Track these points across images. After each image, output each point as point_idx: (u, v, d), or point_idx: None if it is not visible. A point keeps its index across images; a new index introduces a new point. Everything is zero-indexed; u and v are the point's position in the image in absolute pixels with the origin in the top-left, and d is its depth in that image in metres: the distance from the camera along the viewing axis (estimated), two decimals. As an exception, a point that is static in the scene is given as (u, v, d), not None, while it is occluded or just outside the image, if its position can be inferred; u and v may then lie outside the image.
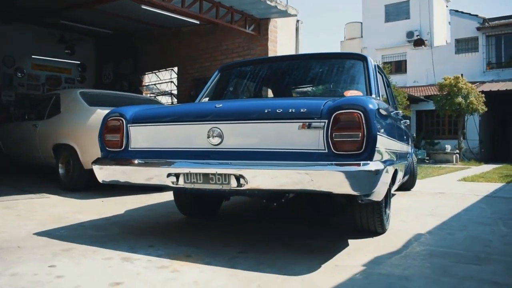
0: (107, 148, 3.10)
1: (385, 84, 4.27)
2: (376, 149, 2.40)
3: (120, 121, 3.04)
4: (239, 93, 4.23)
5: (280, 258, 2.58)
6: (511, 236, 3.30)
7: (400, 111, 4.29)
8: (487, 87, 18.30)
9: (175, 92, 11.52)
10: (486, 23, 21.40)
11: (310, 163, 2.35)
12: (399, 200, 5.17)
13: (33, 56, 12.18)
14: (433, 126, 20.05)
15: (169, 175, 2.70)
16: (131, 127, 3.02)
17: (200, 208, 3.74)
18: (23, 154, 6.97)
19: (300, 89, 4.29)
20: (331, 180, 2.30)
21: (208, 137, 2.65)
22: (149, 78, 12.33)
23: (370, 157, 2.36)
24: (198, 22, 9.60)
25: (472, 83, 17.37)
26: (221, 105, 2.79)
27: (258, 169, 2.45)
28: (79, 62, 13.24)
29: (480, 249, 2.87)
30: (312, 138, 2.42)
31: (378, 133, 2.42)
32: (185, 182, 2.66)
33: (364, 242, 3.00)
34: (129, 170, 2.91)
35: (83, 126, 5.45)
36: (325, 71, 3.84)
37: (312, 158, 2.39)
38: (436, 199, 5.41)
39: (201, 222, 3.71)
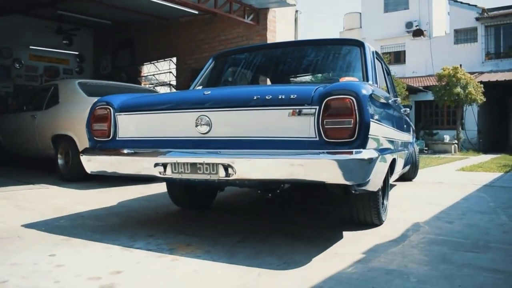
0: (95, 138, 3.02)
1: (385, 72, 4.18)
2: (369, 136, 2.32)
3: (108, 110, 2.96)
4: (233, 81, 4.10)
5: (279, 247, 2.59)
6: (509, 225, 3.31)
7: (399, 99, 4.17)
8: (486, 78, 18.26)
9: (174, 82, 11.48)
10: (485, 13, 21.31)
11: (300, 151, 2.28)
12: (398, 190, 5.18)
13: (31, 47, 12.12)
14: (432, 116, 20.05)
15: (156, 165, 2.64)
16: (119, 116, 2.93)
17: (194, 199, 3.68)
18: (21, 145, 6.96)
19: (295, 76, 4.19)
20: (322, 169, 2.23)
21: (196, 125, 2.57)
22: (147, 69, 12.28)
23: (363, 145, 2.27)
24: (196, 12, 9.54)
25: (471, 73, 17.34)
26: (209, 92, 2.70)
27: (246, 158, 2.39)
28: (77, 53, 13.18)
29: (478, 237, 2.88)
30: (303, 126, 2.34)
31: (371, 120, 2.34)
32: (172, 172, 2.60)
33: (363, 231, 3.01)
34: (116, 160, 2.85)
35: (82, 116, 5.41)
36: (321, 57, 3.74)
37: (303, 146, 2.32)
38: (435, 188, 5.42)
39: (200, 212, 3.72)
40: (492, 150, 18.07)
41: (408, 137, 4.63)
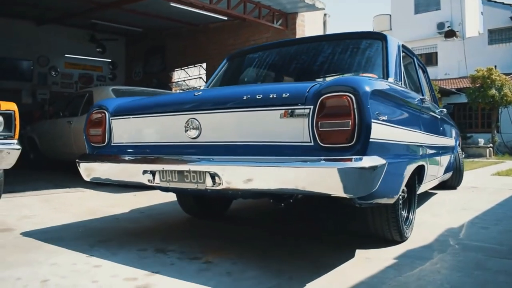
0: (91, 144, 2.90)
1: (417, 69, 3.77)
2: (373, 140, 2.01)
3: (103, 114, 2.83)
4: (247, 81, 3.79)
5: (311, 252, 2.61)
6: (548, 231, 3.22)
7: (426, 98, 3.52)
8: (522, 79, 17.70)
9: (203, 88, 11.62)
10: (521, 13, 20.68)
11: (291, 158, 2.02)
12: (430, 194, 5.09)
13: (66, 55, 12.54)
14: (465, 119, 19.55)
15: (144, 172, 2.49)
16: (113, 120, 2.81)
17: (205, 207, 3.51)
18: (58, 150, 7.19)
19: (311, 74, 3.63)
20: (315, 179, 1.96)
21: (186, 129, 2.38)
22: (178, 75, 12.50)
23: (364, 151, 1.96)
24: (226, 18, 9.66)
25: (506, 74, 16.84)
26: (200, 92, 2.54)
27: (233, 166, 2.16)
28: (110, 60, 13.56)
29: (515, 243, 2.82)
30: (296, 128, 2.07)
31: (377, 120, 2.06)
32: (161, 180, 2.43)
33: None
34: (108, 167, 2.73)
35: (116, 122, 5.57)
36: (339, 53, 3.33)
37: (296, 152, 2.05)
38: (469, 193, 5.30)
39: (214, 221, 3.76)
40: (529, 154, 17.48)
41: (447, 141, 4.30)
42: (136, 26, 11.84)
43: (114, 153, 2.75)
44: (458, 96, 18.62)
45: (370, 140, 1.98)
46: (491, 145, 16.20)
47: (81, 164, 2.83)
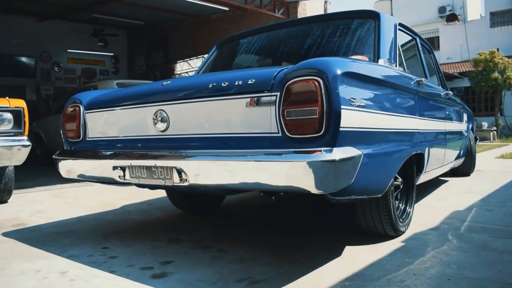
0: (68, 139, 2.79)
1: (419, 49, 3.55)
2: (344, 129, 1.82)
3: (77, 108, 2.71)
4: (234, 68, 3.54)
5: (318, 240, 2.67)
6: (552, 211, 3.26)
7: (424, 80, 3.09)
8: (525, 61, 17.63)
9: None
10: (523, -6, 20.53)
11: (257, 151, 1.86)
12: (440, 181, 5.14)
13: (68, 50, 12.59)
14: (469, 103, 19.48)
15: (114, 168, 2.38)
16: (88, 114, 2.69)
17: (195, 203, 3.38)
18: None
19: (299, 58, 3.46)
20: (282, 174, 1.78)
21: (155, 122, 2.26)
22: (181, 67, 12.53)
23: (334, 141, 1.78)
24: (227, 9, 9.67)
25: (509, 57, 16.77)
26: (168, 82, 2.39)
27: (196, 159, 2.04)
28: (112, 54, 13.59)
29: (520, 224, 2.87)
30: (263, 118, 1.90)
31: (350, 106, 1.86)
32: (131, 176, 2.33)
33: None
34: (80, 163, 2.63)
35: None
36: (328, 34, 3.07)
37: (264, 144, 1.89)
38: (473, 176, 5.34)
39: (205, 216, 3.81)
40: (533, 136, 17.47)
41: (455, 125, 4.10)
42: (138, 19, 11.86)
43: (88, 149, 2.66)
44: (460, 80, 18.57)
45: (341, 129, 1.80)
46: (494, 128, 16.19)
47: (57, 161, 2.73)
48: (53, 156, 2.78)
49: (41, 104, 11.35)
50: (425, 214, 3.17)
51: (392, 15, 25.39)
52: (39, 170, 7.22)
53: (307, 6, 9.28)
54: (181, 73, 12.53)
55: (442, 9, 22.81)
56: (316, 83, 1.77)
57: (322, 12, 9.99)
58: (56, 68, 12.47)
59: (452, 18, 22.44)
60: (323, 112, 1.76)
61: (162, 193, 4.45)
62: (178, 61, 12.47)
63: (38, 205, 4.02)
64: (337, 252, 2.33)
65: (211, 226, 3.05)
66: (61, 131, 2.83)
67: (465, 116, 4.84)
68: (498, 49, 16.28)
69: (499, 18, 21.34)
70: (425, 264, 2.12)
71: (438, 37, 23.43)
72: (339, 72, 1.83)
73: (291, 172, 1.75)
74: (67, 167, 2.70)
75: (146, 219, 3.32)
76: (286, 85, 1.83)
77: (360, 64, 2.22)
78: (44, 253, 2.45)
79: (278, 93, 1.84)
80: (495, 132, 15.99)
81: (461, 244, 2.44)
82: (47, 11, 10.84)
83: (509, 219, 3.02)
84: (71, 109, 2.75)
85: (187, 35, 11.68)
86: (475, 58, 16.07)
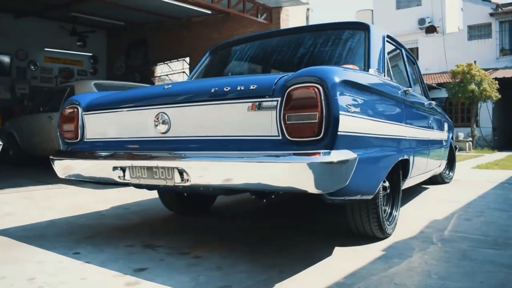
0: (65, 140, 2.83)
1: (405, 60, 3.70)
2: (343, 133, 1.93)
3: (75, 109, 2.76)
4: (228, 74, 3.66)
5: (301, 245, 2.61)
6: (529, 222, 3.29)
7: (410, 90, 3.25)
8: (500, 74, 18.02)
9: (186, 82, 11.54)
10: (499, 9, 21.02)
11: (259, 153, 1.95)
12: (413, 187, 5.16)
13: (45, 49, 12.28)
14: (446, 113, 19.83)
15: (114, 168, 2.42)
16: (86, 116, 2.73)
17: (187, 204, 3.45)
18: (39, 146, 7.07)
19: (292, 66, 3.35)
20: (281, 175, 1.89)
21: (156, 124, 2.32)
22: (161, 69, 12.38)
23: (332, 145, 1.88)
24: (209, 12, 9.60)
25: (485, 70, 17.13)
26: (170, 86, 2.47)
27: (199, 161, 2.11)
28: (91, 54, 13.33)
29: (498, 234, 2.87)
30: (264, 122, 1.99)
31: (347, 112, 1.97)
32: (131, 176, 2.37)
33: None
34: (79, 164, 2.67)
35: (99, 117, 5.50)
36: (321, 44, 3.21)
37: (264, 146, 1.98)
38: (451, 186, 5.38)
39: (197, 217, 3.75)
40: (507, 147, 17.84)
41: (437, 134, 4.23)
42: (118, 19, 11.67)
43: (87, 149, 2.70)
44: (438, 91, 18.88)
45: (339, 133, 1.91)
46: (470, 139, 16.48)
47: (54, 161, 2.77)
48: (50, 156, 2.80)
49: (15, 103, 11.04)
50: (404, 223, 3.16)
51: (373, 24, 25.76)
52: (12, 171, 7.00)
53: (289, 12, 9.29)
54: (161, 76, 12.38)
55: (421, 21, 23.18)
56: (316, 89, 1.88)
57: (304, 19, 10.03)
58: (33, 67, 12.15)
59: (431, 30, 22.83)
60: (323, 117, 1.87)
61: (139, 197, 4.35)
62: (158, 63, 12.31)
63: (8, 207, 3.87)
64: (318, 259, 2.28)
65: (190, 230, 2.97)
66: (57, 132, 2.88)
67: (446, 126, 4.97)
68: (475, 62, 16.61)
69: (476, 31, 21.81)
70: (406, 273, 2.09)
71: (417, 48, 23.79)
72: (337, 80, 1.94)
73: (292, 173, 1.85)
74: (64, 167, 2.73)
75: (120, 224, 3.22)
76: (287, 91, 1.92)
77: (355, 73, 2.32)
78: (12, 258, 2.34)
79: (279, 99, 1.94)
80: (471, 142, 16.28)
81: (441, 254, 2.42)
82: (25, 7, 10.57)
83: (487, 229, 3.02)
84: (69, 110, 2.78)
85: (168, 37, 11.55)
86: (453, 69, 16.34)
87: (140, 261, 2.27)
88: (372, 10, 26.22)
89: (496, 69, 19.67)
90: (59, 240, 2.70)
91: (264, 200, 2.36)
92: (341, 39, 3.18)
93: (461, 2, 23.19)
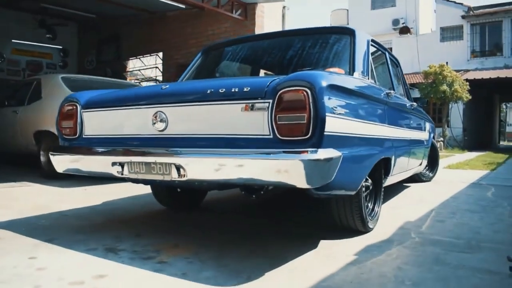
0: (63, 136, 2.95)
1: (389, 63, 3.87)
2: (329, 134, 2.07)
3: (74, 107, 2.87)
4: (220, 74, 3.83)
5: (271, 247, 2.52)
6: (499, 224, 3.29)
7: (392, 92, 3.39)
8: (471, 75, 18.41)
9: (160, 78, 11.33)
10: (471, 12, 21.48)
11: (251, 150, 2.09)
12: (393, 185, 5.14)
13: (13, 41, 11.85)
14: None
15: (113, 164, 2.54)
16: (85, 113, 2.84)
17: (179, 199, 3.58)
18: (3, 141, 6.77)
19: (281, 68, 3.60)
20: (272, 171, 2.03)
21: (154, 122, 2.44)
22: (133, 64, 12.11)
23: (319, 144, 2.03)
24: (183, 6, 9.41)
25: (457, 71, 17.46)
26: (167, 86, 2.58)
27: (196, 157, 2.24)
28: (61, 47, 12.93)
29: (470, 236, 2.84)
30: (256, 122, 2.13)
31: (333, 114, 2.11)
32: (129, 172, 2.49)
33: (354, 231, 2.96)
34: (78, 159, 2.78)
35: (65, 112, 5.29)
36: (308, 47, 3.40)
37: (257, 144, 2.12)
38: (423, 186, 5.40)
39: (187, 212, 3.63)
40: (477, 148, 18.27)
41: (418, 134, 4.42)
42: (90, 12, 11.35)
43: (85, 145, 2.81)
44: (411, 91, 19.13)
45: (325, 133, 2.05)
46: (441, 139, 16.77)
47: (53, 156, 2.88)
48: (50, 152, 2.92)
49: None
50: (378, 225, 3.11)
51: (348, 24, 25.94)
52: (-27, 167, 6.70)
53: (265, 8, 9.19)
54: (133, 70, 12.11)
55: (395, 22, 23.45)
56: (305, 93, 2.02)
57: (280, 17, 9.95)
58: (-1, 59, 11.71)
59: (405, 30, 23.11)
60: (311, 118, 2.01)
61: (105, 196, 4.19)
62: (130, 58, 12.05)
63: (-36, 206, 3.65)
64: (287, 263, 2.19)
65: (157, 232, 2.84)
66: (56, 128, 3.02)
67: (427, 126, 5.14)
68: (447, 63, 16.89)
69: (448, 33, 22.21)
70: (380, 279, 2.02)
71: (391, 48, 24.04)
72: (324, 84, 2.08)
73: (282, 169, 1.99)
74: (63, 161, 2.85)
75: (84, 225, 3.06)
76: (278, 93, 2.06)
77: (341, 78, 2.48)
78: (-40, 264, 2.16)
79: (271, 100, 2.08)
80: (442, 142, 16.57)
81: (414, 258, 2.37)
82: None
83: (460, 231, 3.00)
84: (69, 107, 2.90)
85: (141, 32, 11.30)
86: (426, 70, 16.59)
87: (100, 267, 2.14)
88: (347, 10, 26.39)
89: (467, 70, 20.10)
90: (15, 244, 2.54)
91: (254, 196, 2.45)
92: (328, 43, 3.36)
93: (434, 4, 23.59)
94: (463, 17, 21.53)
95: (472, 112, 19.81)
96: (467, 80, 16.70)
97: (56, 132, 5.22)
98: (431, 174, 5.89)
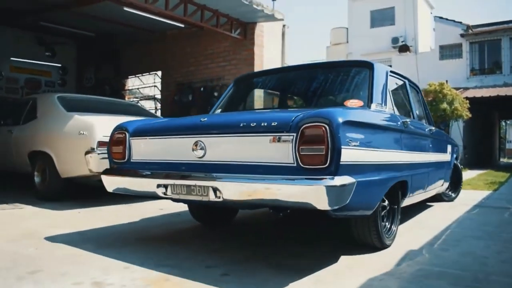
0: (114, 160, 3.31)
1: (408, 90, 4.14)
2: (344, 163, 2.34)
3: (124, 135, 3.24)
4: (250, 104, 4.43)
5: (267, 280, 2.40)
6: (506, 252, 3.16)
7: (409, 122, 3.58)
8: (471, 93, 18.39)
9: (158, 96, 11.27)
10: (470, 30, 21.57)
11: (278, 177, 2.37)
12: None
13: (11, 59, 11.80)
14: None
15: (158, 186, 2.85)
16: (132, 140, 3.20)
17: (212, 216, 3.94)
18: (-2, 161, 6.65)
19: (306, 99, 4.16)
20: (296, 195, 2.32)
21: (193, 150, 2.76)
22: (132, 82, 12.07)
23: (336, 172, 2.30)
24: (182, 26, 9.40)
25: (456, 89, 17.43)
26: (205, 119, 2.93)
27: (230, 181, 2.53)
28: (60, 65, 12.88)
29: (477, 268, 2.72)
30: (282, 152, 2.42)
31: (348, 146, 2.39)
32: (172, 192, 2.79)
33: (355, 260, 2.84)
34: (127, 180, 3.12)
35: (60, 132, 5.20)
36: (331, 80, 3.79)
37: (282, 171, 2.40)
38: (424, 207, 5.27)
39: (182, 236, 3.51)
40: (477, 166, 18.13)
41: (438, 156, 4.63)
42: (88, 30, 11.34)
43: (133, 168, 3.15)
44: (411, 109, 19.07)
45: (341, 163, 2.32)
46: (442, 157, 16.63)
47: (104, 177, 3.25)
48: (101, 173, 3.30)
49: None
50: (379, 254, 2.99)
51: (347, 42, 26.06)
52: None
53: (264, 28, 9.18)
54: (132, 89, 12.06)
55: (395, 40, 23.55)
56: (324, 128, 2.31)
57: (280, 36, 9.94)
58: (-3, 77, 11.65)
59: (404, 49, 23.20)
60: (328, 150, 2.30)
61: (98, 221, 4.05)
62: (129, 76, 12.01)
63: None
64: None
65: (148, 263, 2.70)
66: (107, 152, 3.43)
67: (449, 148, 5.32)
68: (447, 81, 16.87)
69: (447, 51, 22.27)
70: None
71: (390, 66, 24.07)
72: (341, 120, 2.36)
73: (303, 193, 2.29)
74: (113, 182, 3.22)
75: (72, 254, 2.92)
76: (301, 128, 2.36)
77: (356, 113, 2.77)
78: None
79: (295, 134, 2.37)
80: (442, 160, 16.43)
81: (418, 294, 2.24)
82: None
83: (466, 262, 2.87)
84: (119, 135, 3.28)
85: (141, 50, 11.28)
86: (426, 88, 16.53)
87: (85, 304, 2.01)
88: (347, 28, 26.55)
89: (467, 88, 20.09)
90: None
91: (281, 214, 2.81)
92: (349, 76, 3.71)
93: (433, 23, 23.72)
94: (462, 35, 21.60)
95: (472, 130, 19.74)
96: (467, 98, 16.66)
97: (49, 153, 5.21)
98: (453, 195, 6.01)
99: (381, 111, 3.21)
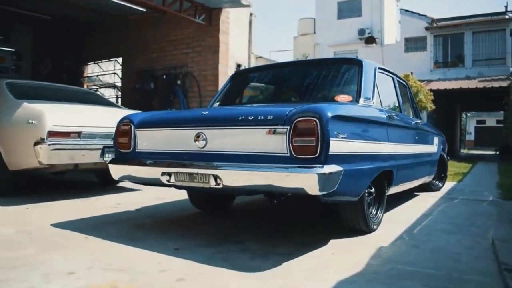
0: (119, 150, 3.51)
1: (395, 85, 4.41)
2: (333, 153, 2.58)
3: (129, 126, 3.44)
4: (246, 98, 4.68)
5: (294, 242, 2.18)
6: (478, 248, 3.05)
7: (394, 116, 3.80)
8: (434, 86, 18.66)
9: (119, 84, 10.81)
10: (434, 23, 21.88)
11: (274, 165, 2.61)
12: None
13: (-40, 43, 11.06)
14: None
15: (163, 174, 3.06)
16: (137, 131, 3.41)
17: (212, 203, 4.19)
18: None
19: (299, 94, 4.28)
20: (289, 181, 2.54)
21: (195, 140, 2.99)
22: (91, 69, 11.53)
23: (325, 161, 2.54)
24: (144, 10, 8.98)
25: (421, 81, 17.64)
26: (206, 112, 3.17)
27: (230, 170, 2.77)
28: (13, 50, 12.17)
29: (450, 266, 2.59)
30: (277, 143, 2.65)
31: (336, 138, 2.62)
32: (175, 180, 3.02)
33: (325, 261, 2.66)
34: (133, 169, 3.33)
35: (7, 121, 4.79)
36: (322, 76, 4.04)
37: (277, 160, 2.63)
38: (392, 200, 5.16)
39: (135, 237, 3.24)
40: (440, 157, 18.47)
41: (424, 148, 4.90)
42: (46, 13, 10.70)
43: (138, 158, 3.37)
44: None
45: (330, 153, 2.57)
46: (406, 148, 16.85)
47: (111, 166, 3.48)
48: (108, 162, 3.54)
49: None
50: (349, 252, 2.83)
51: (315, 33, 26.02)
52: None
53: (230, 14, 8.88)
54: (91, 76, 11.53)
55: (361, 31, 23.66)
56: (314, 122, 2.55)
57: (247, 23, 9.67)
58: None
59: (370, 40, 23.36)
60: (318, 142, 2.54)
61: (47, 217, 3.72)
62: (88, 63, 11.46)
63: None
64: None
65: (96, 266, 2.43)
66: (113, 143, 3.67)
67: (435, 140, 5.58)
68: (412, 73, 17.04)
69: (412, 44, 22.54)
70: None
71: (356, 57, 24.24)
72: (329, 115, 2.60)
73: (296, 180, 2.53)
74: (120, 170, 3.44)
75: (14, 258, 2.61)
76: (294, 122, 2.59)
77: (344, 108, 3.02)
78: None
79: (288, 127, 2.61)
80: (406, 152, 16.65)
81: (392, 298, 2.07)
82: None
83: (438, 259, 2.74)
84: (124, 127, 3.48)
85: (100, 36, 10.76)
86: (391, 80, 16.66)
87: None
88: (314, 19, 26.50)
89: (431, 80, 20.40)
90: None
91: (275, 201, 2.91)
92: (339, 72, 3.98)
93: (399, 15, 23.96)
94: (426, 28, 21.91)
95: (435, 122, 20.07)
96: (431, 90, 16.89)
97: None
98: (440, 184, 6.32)
99: (368, 106, 3.45)
